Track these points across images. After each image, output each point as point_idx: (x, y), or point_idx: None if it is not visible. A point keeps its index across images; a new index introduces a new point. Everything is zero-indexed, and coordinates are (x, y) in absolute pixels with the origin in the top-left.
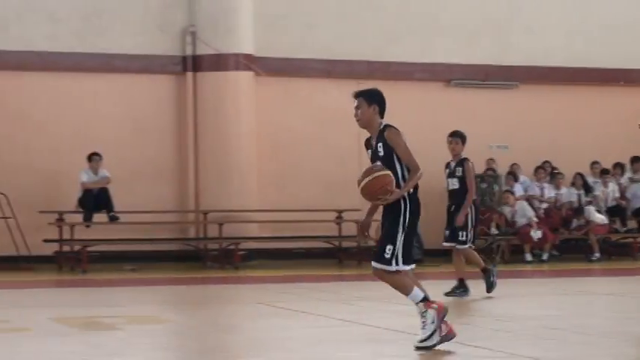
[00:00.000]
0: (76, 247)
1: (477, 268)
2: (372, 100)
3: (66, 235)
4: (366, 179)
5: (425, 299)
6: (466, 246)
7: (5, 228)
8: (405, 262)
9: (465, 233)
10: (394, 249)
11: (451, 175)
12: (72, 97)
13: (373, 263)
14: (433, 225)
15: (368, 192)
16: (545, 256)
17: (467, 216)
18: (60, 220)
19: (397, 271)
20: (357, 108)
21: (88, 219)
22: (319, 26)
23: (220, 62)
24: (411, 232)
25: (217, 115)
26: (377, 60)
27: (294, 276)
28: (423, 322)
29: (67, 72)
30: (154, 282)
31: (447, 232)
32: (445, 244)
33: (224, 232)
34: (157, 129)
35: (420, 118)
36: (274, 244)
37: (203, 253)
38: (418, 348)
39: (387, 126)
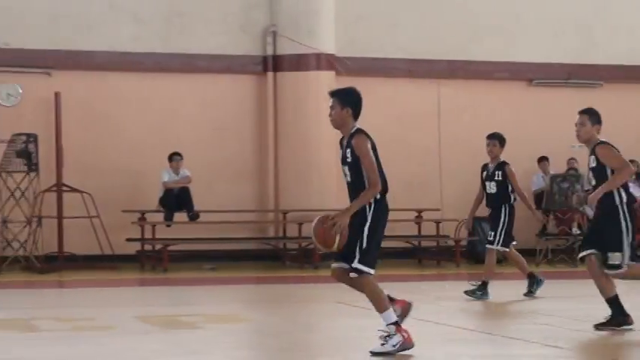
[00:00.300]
0: (158, 246)
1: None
2: (346, 101)
3: (148, 235)
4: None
5: (397, 323)
6: (494, 247)
7: (90, 227)
8: (366, 265)
9: (494, 234)
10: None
11: (489, 178)
12: (154, 97)
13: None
14: (514, 224)
15: (321, 242)
16: None
17: (499, 217)
18: (142, 219)
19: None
20: (331, 108)
21: (169, 218)
22: (400, 25)
23: (301, 62)
24: (376, 237)
25: (297, 115)
26: (458, 59)
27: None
28: (386, 341)
29: (150, 72)
30: (233, 281)
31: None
32: (488, 246)
33: (303, 232)
34: (238, 129)
35: (501, 118)
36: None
37: (282, 252)
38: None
39: (356, 132)
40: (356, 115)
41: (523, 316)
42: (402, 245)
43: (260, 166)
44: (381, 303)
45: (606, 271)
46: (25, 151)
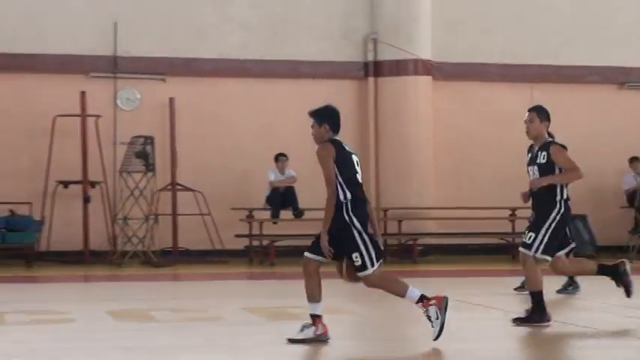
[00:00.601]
0: (265, 242)
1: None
2: (322, 119)
3: (255, 231)
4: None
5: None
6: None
7: (202, 224)
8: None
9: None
10: (362, 255)
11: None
12: (261, 101)
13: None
14: (607, 222)
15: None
16: None
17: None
18: (250, 216)
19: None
20: (312, 127)
21: (275, 216)
22: (494, 30)
23: (400, 67)
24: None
25: (397, 118)
26: (550, 63)
27: (470, 271)
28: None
29: (257, 78)
30: (335, 275)
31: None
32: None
33: (403, 229)
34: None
35: (591, 121)
36: (450, 240)
37: (383, 248)
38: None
39: (324, 141)
40: (334, 129)
41: (623, 310)
42: (497, 242)
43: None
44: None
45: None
46: (143, 153)
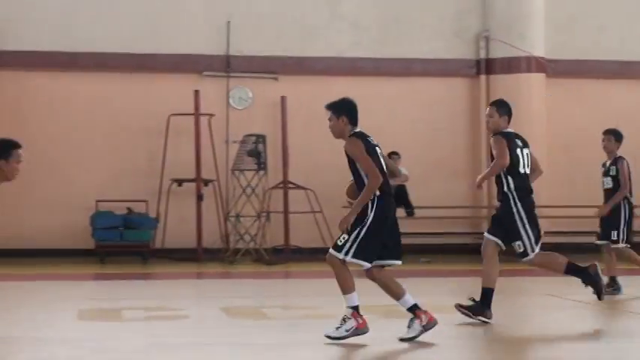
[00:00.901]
0: None
1: (635, 266)
2: (340, 111)
3: None
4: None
5: (356, 309)
6: (620, 245)
7: (314, 222)
8: (355, 256)
9: (617, 232)
10: (348, 239)
11: (605, 174)
12: (372, 100)
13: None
14: None
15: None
16: None
17: (619, 214)
18: None
19: (343, 261)
20: (329, 120)
21: None
22: (609, 27)
23: (512, 65)
24: (375, 233)
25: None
26: None
27: None
28: (341, 324)
29: (369, 76)
30: (447, 273)
31: (600, 230)
32: (597, 242)
33: None
34: (452, 129)
35: None
36: (563, 239)
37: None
38: (327, 337)
39: (350, 136)
40: (353, 121)
41: None
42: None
43: (473, 164)
44: (344, 285)
45: (521, 259)
46: (255, 151)
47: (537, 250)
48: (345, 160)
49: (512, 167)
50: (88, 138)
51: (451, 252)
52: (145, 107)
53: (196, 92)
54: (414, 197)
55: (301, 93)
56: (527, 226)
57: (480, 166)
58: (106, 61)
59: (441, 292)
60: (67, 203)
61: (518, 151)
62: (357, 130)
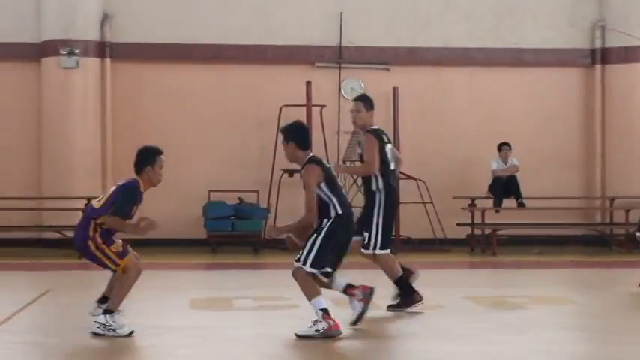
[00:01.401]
0: (487, 231)
1: None
2: (288, 137)
3: (477, 220)
4: None
5: (326, 310)
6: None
7: (424, 212)
8: (314, 266)
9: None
10: (308, 252)
11: None
12: (485, 90)
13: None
14: None
15: None
16: None
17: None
18: (472, 205)
19: (307, 273)
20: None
21: (497, 205)
22: None
23: (629, 54)
24: (331, 242)
25: (625, 106)
26: None
27: None
28: (312, 324)
29: (481, 67)
30: (558, 265)
31: None
32: None
33: (630, 218)
34: (565, 119)
35: None
36: None
37: (608, 237)
38: (296, 335)
39: (304, 163)
40: (302, 146)
41: None
42: None
43: (587, 155)
44: (309, 293)
45: (361, 249)
46: None
47: (382, 252)
48: (454, 151)
49: (382, 164)
50: (200, 129)
51: (563, 243)
52: (257, 98)
53: (308, 83)
54: (525, 188)
55: (413, 83)
56: (381, 223)
57: (594, 157)
58: (220, 53)
59: (552, 284)
60: (181, 193)
61: (387, 148)
62: (311, 155)
